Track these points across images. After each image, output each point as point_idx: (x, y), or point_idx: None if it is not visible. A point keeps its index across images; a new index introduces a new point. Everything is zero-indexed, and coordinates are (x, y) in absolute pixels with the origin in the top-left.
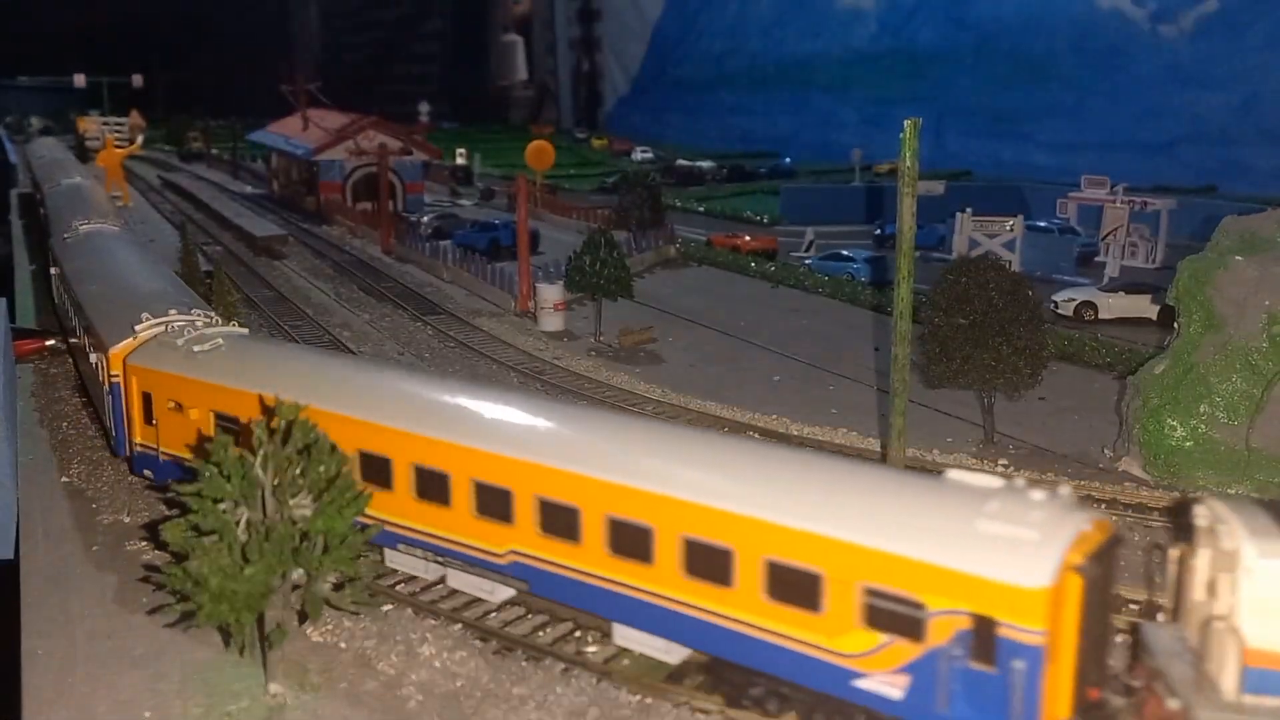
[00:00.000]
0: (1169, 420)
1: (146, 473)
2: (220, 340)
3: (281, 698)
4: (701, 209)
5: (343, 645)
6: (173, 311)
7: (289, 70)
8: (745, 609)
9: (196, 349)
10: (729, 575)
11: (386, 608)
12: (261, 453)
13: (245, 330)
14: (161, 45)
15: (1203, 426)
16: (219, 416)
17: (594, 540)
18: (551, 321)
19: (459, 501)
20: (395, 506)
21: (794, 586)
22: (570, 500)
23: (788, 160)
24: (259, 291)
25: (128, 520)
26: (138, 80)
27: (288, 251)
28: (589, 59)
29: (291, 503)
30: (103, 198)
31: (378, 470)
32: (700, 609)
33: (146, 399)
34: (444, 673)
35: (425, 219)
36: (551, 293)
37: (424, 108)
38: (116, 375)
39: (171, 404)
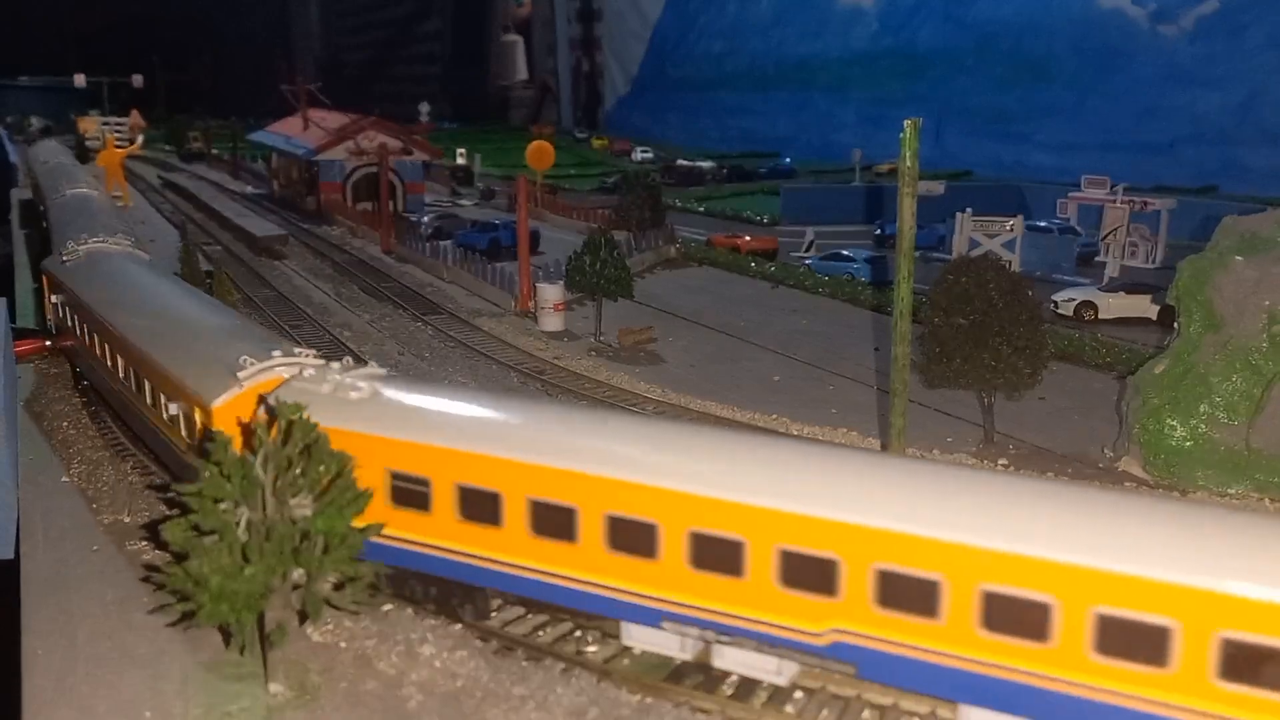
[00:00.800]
0: (1169, 420)
1: None
2: (376, 385)
3: (282, 697)
4: (701, 209)
5: (343, 645)
6: (276, 353)
7: (289, 70)
8: (1186, 691)
9: (353, 397)
10: (1167, 655)
11: (386, 607)
12: (261, 452)
13: (382, 370)
14: (162, 45)
15: (1203, 426)
16: (396, 476)
17: (961, 615)
18: (552, 321)
19: (757, 571)
20: (660, 577)
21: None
22: (928, 569)
23: (788, 160)
24: (259, 291)
25: (128, 520)
26: (138, 80)
27: (288, 251)
28: (589, 59)
29: (292, 502)
30: (112, 209)
31: (632, 536)
32: (1123, 695)
33: None
34: (444, 672)
35: (425, 219)
36: (552, 293)
37: (424, 108)
38: (218, 434)
39: None
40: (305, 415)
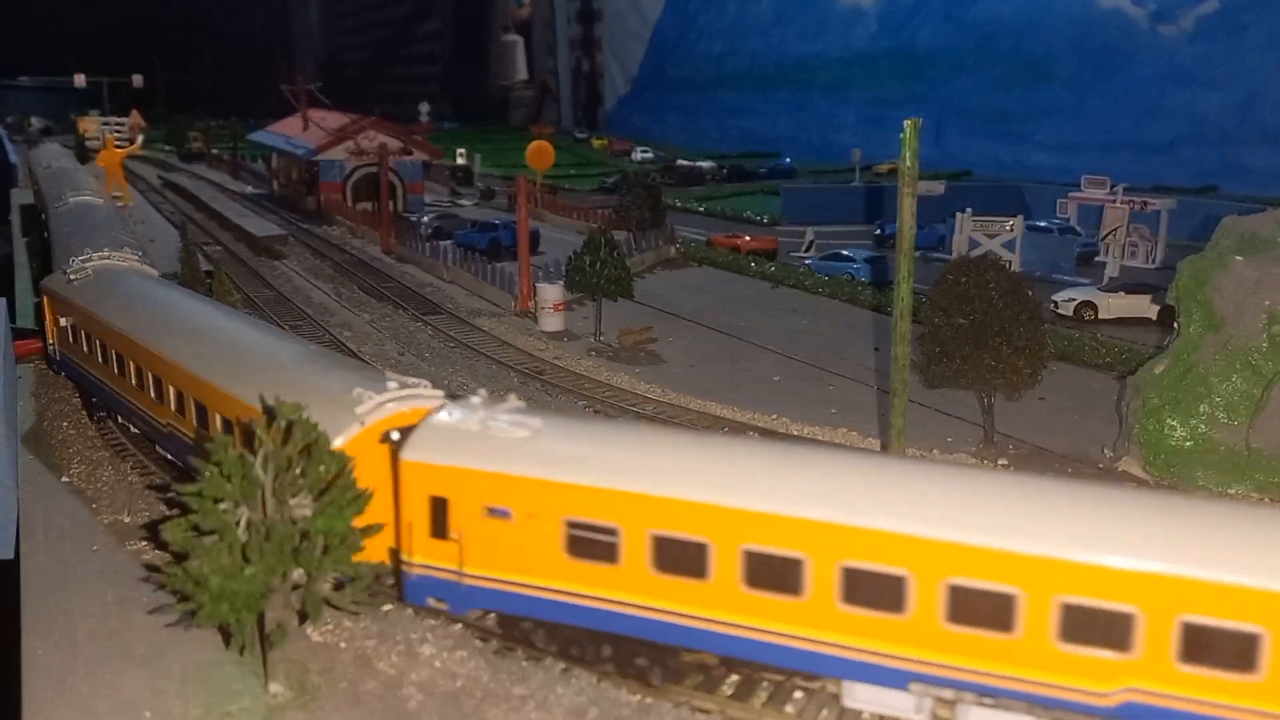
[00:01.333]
0: (1169, 420)
1: (434, 601)
2: (531, 421)
3: (282, 697)
4: (701, 209)
5: (343, 645)
6: (392, 384)
7: (289, 70)
8: None
9: (515, 436)
10: None
11: (386, 607)
12: (261, 452)
13: (520, 402)
14: (162, 45)
15: (1203, 426)
16: (575, 525)
17: None
18: (551, 321)
19: (1033, 629)
20: (908, 634)
21: None
22: (1243, 619)
23: (788, 160)
24: (259, 291)
25: (128, 520)
26: (138, 80)
27: (288, 251)
28: (589, 59)
29: (292, 502)
30: (116, 217)
31: (875, 590)
32: None
33: (438, 507)
34: (444, 672)
35: (425, 219)
36: (552, 293)
37: (424, 108)
38: None
39: (487, 511)
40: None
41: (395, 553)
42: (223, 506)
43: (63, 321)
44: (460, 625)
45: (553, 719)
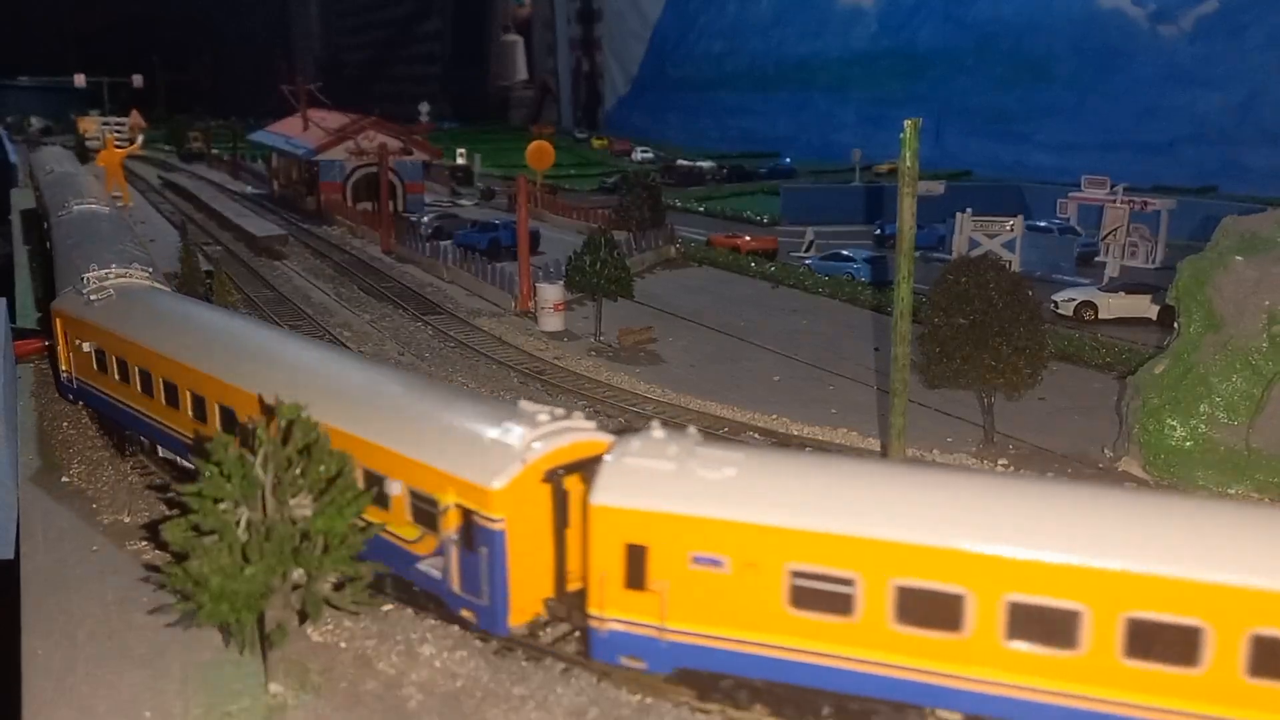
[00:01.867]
0: (1169, 420)
1: (627, 659)
2: (732, 456)
3: (282, 697)
4: (701, 209)
5: (343, 645)
6: (542, 417)
7: (289, 70)
8: None
9: (718, 476)
10: None
11: (386, 608)
12: (261, 452)
13: (696, 432)
14: (162, 45)
15: (1203, 426)
16: (803, 575)
17: None
18: (552, 321)
19: None
20: (1208, 691)
21: None
22: None
23: (788, 160)
24: (259, 291)
25: (128, 520)
26: (138, 80)
27: (288, 251)
28: (589, 59)
29: (292, 503)
30: (125, 229)
31: (1168, 641)
32: None
33: (635, 556)
34: (444, 672)
35: (425, 219)
36: (552, 293)
37: (424, 108)
38: (499, 521)
39: (694, 560)
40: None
41: (565, 602)
42: (223, 506)
43: (85, 346)
44: (460, 625)
45: (553, 719)
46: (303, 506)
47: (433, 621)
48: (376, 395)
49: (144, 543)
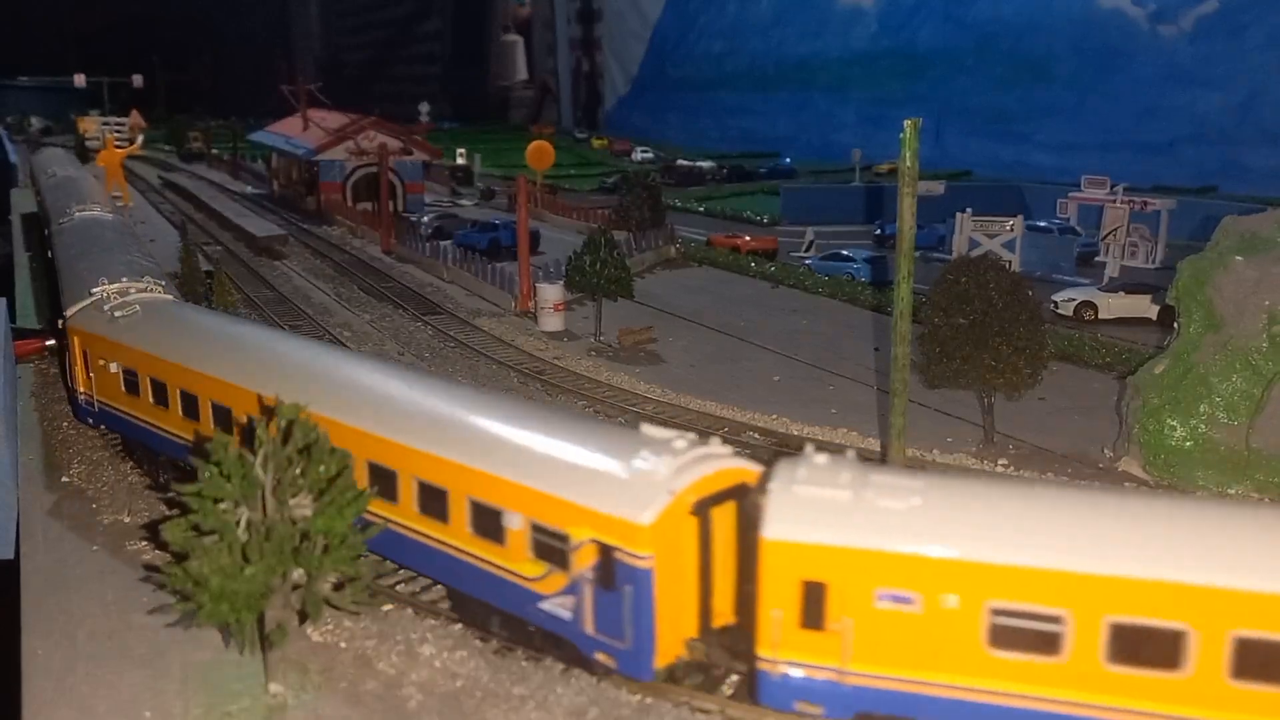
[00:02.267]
0: (1169, 420)
1: (803, 705)
2: (917, 483)
3: (282, 697)
4: (701, 209)
5: (343, 645)
6: (680, 444)
7: (289, 70)
8: None
9: (902, 506)
10: None
11: (387, 608)
12: (261, 452)
13: (853, 455)
14: (162, 45)
15: (1203, 426)
16: (1004, 613)
17: None
18: (551, 321)
19: None
20: None
21: None
22: None
23: (788, 160)
24: (259, 291)
25: (128, 520)
26: (138, 80)
27: (288, 251)
28: (589, 59)
29: (292, 503)
30: (134, 240)
31: None
32: None
33: (813, 594)
34: (444, 672)
35: (425, 219)
36: (552, 293)
37: (424, 108)
38: (647, 558)
39: (879, 599)
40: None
41: (710, 641)
42: (223, 506)
43: (112, 367)
44: (460, 625)
45: (553, 719)
46: (303, 506)
47: (433, 621)
48: (479, 419)
49: (144, 543)
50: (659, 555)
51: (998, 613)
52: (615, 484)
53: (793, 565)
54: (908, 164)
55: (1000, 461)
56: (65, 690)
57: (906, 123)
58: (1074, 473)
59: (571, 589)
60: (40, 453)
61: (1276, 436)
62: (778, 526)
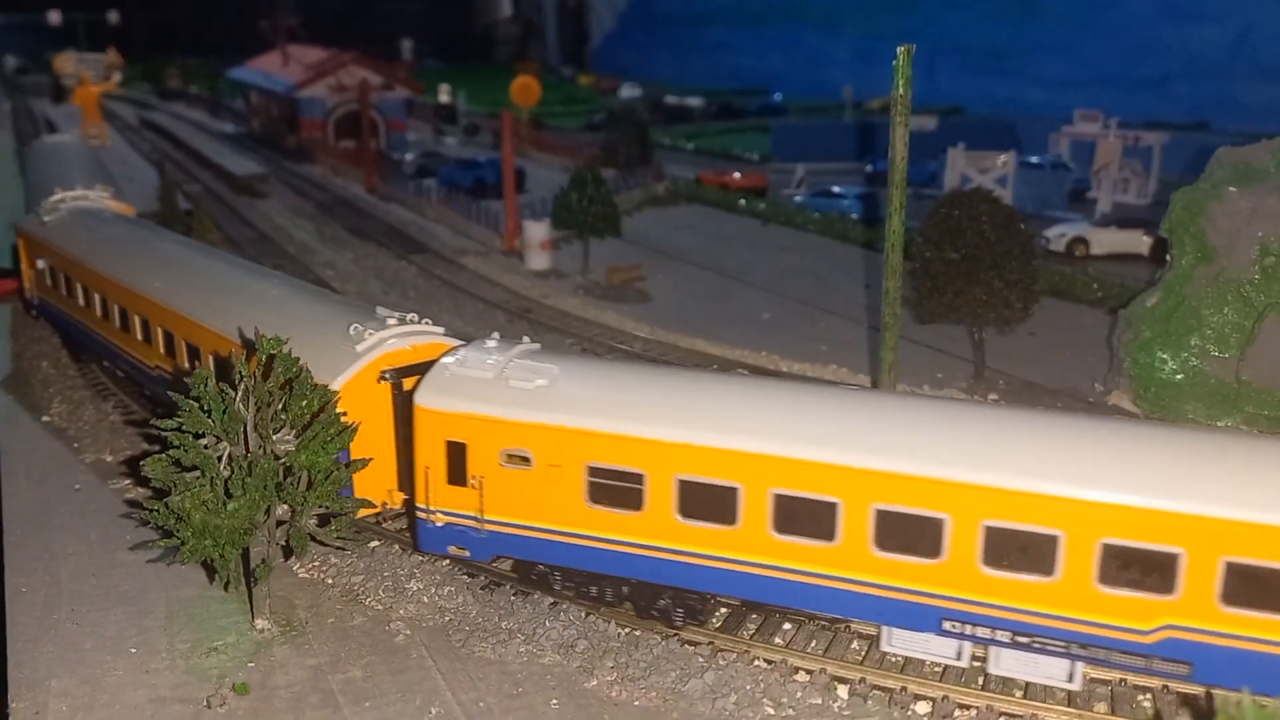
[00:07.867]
0: (1160, 353)
1: (455, 550)
2: (550, 369)
3: (268, 632)
4: (690, 146)
5: (330, 581)
6: (391, 320)
7: (268, 5)
8: None
9: (536, 384)
10: None
11: (374, 544)
12: (242, 387)
13: (531, 345)
14: None
15: (1193, 359)
16: (597, 472)
17: None
18: (538, 260)
19: (1074, 569)
20: (947, 578)
21: None
22: None
23: (778, 97)
24: (240, 231)
25: (110, 459)
26: (114, 17)
27: (269, 190)
28: None
29: (275, 438)
30: (92, 156)
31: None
32: None
33: (455, 452)
34: (432, 607)
35: (409, 157)
36: (538, 231)
37: (407, 45)
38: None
39: (505, 459)
40: (286, 349)
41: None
42: (204, 442)
43: (39, 264)
44: (447, 562)
45: (541, 652)
46: (286, 442)
47: (419, 558)
48: (251, 294)
49: (126, 481)
50: (350, 414)
51: (594, 471)
52: (324, 353)
53: (439, 428)
54: (900, 92)
55: (990, 395)
56: (50, 628)
57: (900, 49)
58: (1064, 406)
59: None
60: (20, 393)
61: (1266, 369)
62: (428, 396)
